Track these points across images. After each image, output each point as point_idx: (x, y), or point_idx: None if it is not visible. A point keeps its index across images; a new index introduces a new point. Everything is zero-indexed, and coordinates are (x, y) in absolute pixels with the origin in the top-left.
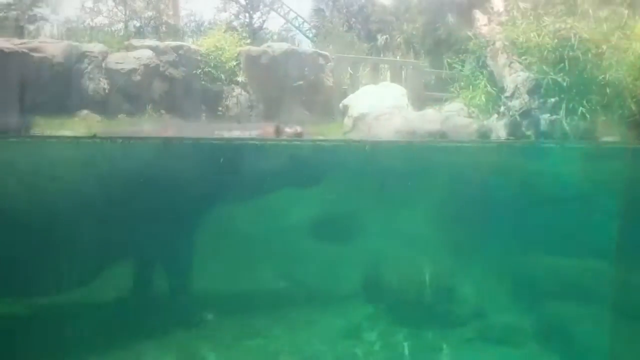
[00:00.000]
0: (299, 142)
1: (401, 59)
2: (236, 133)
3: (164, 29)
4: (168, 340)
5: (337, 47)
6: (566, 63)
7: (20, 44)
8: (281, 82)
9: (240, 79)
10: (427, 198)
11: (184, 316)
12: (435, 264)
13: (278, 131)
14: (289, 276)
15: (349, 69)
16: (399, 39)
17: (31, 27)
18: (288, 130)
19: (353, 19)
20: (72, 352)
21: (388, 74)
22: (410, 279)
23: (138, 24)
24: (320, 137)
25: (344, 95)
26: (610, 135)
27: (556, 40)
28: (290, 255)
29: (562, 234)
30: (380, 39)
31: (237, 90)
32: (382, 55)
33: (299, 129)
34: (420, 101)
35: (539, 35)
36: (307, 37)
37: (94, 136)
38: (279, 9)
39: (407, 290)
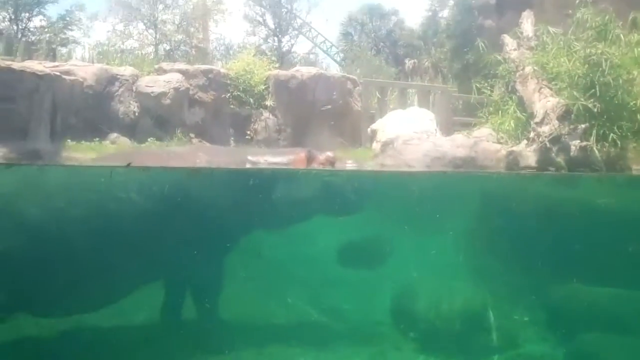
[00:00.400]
0: (332, 171)
1: (429, 83)
2: (267, 158)
3: (193, 52)
4: None
5: (364, 70)
6: (597, 89)
7: (53, 67)
8: (309, 106)
9: (268, 103)
10: (459, 226)
11: (213, 344)
12: (466, 293)
13: (310, 157)
14: (319, 304)
15: (376, 93)
16: (426, 63)
17: (63, 50)
18: (320, 156)
19: (381, 43)
20: None
21: (416, 98)
22: (441, 308)
23: (168, 47)
24: (353, 166)
25: (372, 119)
26: None
27: (587, 66)
28: (320, 283)
29: (596, 264)
30: (408, 63)
31: (266, 114)
32: (409, 80)
33: (330, 155)
34: (448, 126)
35: (569, 61)
36: (335, 60)
37: (129, 165)
38: (307, 33)
39: (437, 319)
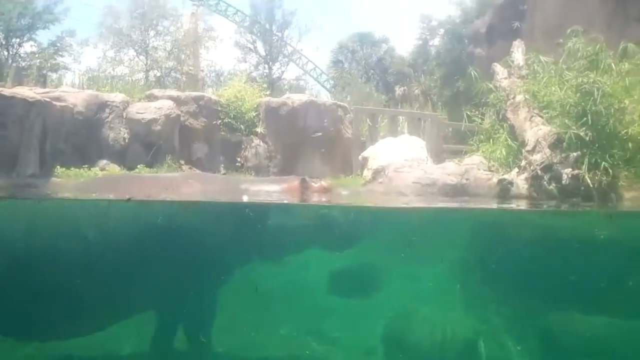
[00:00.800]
0: (328, 206)
1: (419, 110)
2: (261, 187)
3: (184, 79)
4: None
5: (355, 97)
6: (589, 117)
7: (43, 92)
8: (300, 133)
9: (259, 129)
10: (453, 256)
11: None
12: (460, 323)
13: (304, 185)
14: (310, 332)
15: (367, 120)
16: (416, 91)
17: (53, 76)
18: (314, 185)
19: (371, 71)
20: None
21: (406, 125)
22: (432, 337)
23: (159, 74)
24: (346, 194)
25: (363, 146)
26: (632, 191)
27: (579, 95)
28: (314, 312)
29: (592, 295)
30: (398, 90)
31: (256, 141)
32: (399, 107)
33: (324, 184)
34: (438, 153)
35: (561, 89)
36: (325, 87)
37: (129, 199)
38: (297, 60)
39: (429, 349)
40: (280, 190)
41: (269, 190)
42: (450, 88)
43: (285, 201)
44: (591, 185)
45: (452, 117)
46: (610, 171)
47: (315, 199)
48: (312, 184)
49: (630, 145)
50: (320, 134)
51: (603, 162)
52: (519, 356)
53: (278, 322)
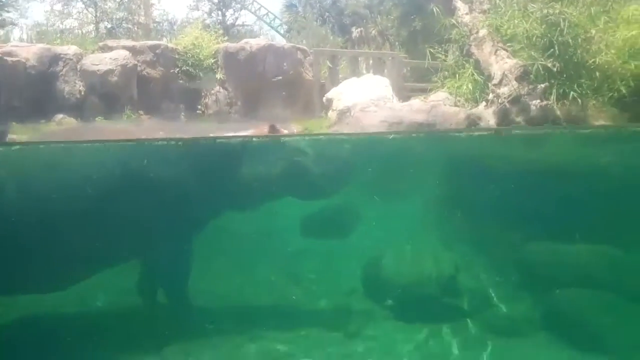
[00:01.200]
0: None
1: (376, 50)
2: (228, 134)
3: (136, 29)
4: (168, 347)
5: (311, 41)
6: (556, 48)
7: None
8: (260, 77)
9: (218, 76)
10: (426, 190)
11: (183, 323)
12: (436, 257)
13: (273, 131)
14: (289, 276)
15: (327, 62)
16: (373, 32)
17: (0, 32)
18: (283, 130)
19: (326, 13)
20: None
21: (366, 65)
22: (411, 274)
23: (109, 26)
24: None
25: (323, 89)
26: (601, 119)
27: (545, 26)
28: (290, 254)
29: (565, 221)
30: (355, 31)
31: (216, 87)
32: (357, 48)
33: (294, 129)
34: (403, 92)
35: (526, 22)
36: (279, 33)
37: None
38: (250, 6)
39: (409, 285)
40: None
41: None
42: (408, 27)
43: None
44: (560, 116)
45: (410, 56)
46: (579, 100)
47: None
48: (282, 129)
49: (597, 74)
50: (280, 77)
51: (572, 92)
52: (499, 287)
53: (256, 268)
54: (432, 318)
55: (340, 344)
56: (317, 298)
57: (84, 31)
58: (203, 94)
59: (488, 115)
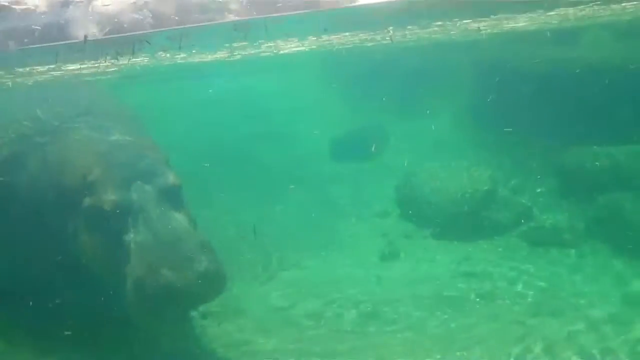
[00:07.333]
0: None
1: None
2: None
3: None
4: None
5: None
6: None
7: None
8: None
9: None
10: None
11: None
12: (471, 171)
13: None
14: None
15: None
16: None
17: None
18: None
19: None
20: None
21: None
22: (448, 191)
23: None
24: None
25: None
26: None
27: None
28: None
29: (609, 123)
30: None
31: None
32: None
33: None
34: None
35: None
36: None
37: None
38: None
39: (444, 202)
40: None
41: None
42: None
43: None
44: None
45: None
46: None
47: None
48: None
49: None
50: None
51: None
52: (539, 198)
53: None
54: (470, 235)
55: (376, 267)
56: (351, 221)
57: None
58: None
59: None
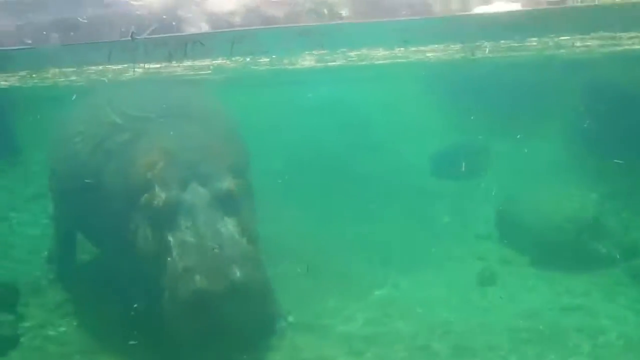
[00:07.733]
0: None
1: None
2: None
3: None
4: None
5: None
6: None
7: None
8: None
9: None
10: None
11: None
12: (577, 198)
13: None
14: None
15: None
16: None
17: None
18: None
19: None
20: None
21: None
22: (551, 217)
23: None
24: None
25: None
26: None
27: None
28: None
29: None
30: None
31: None
32: None
33: None
34: None
35: None
36: None
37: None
38: None
39: (546, 229)
40: None
41: None
42: None
43: None
44: None
45: None
46: None
47: None
48: None
49: None
50: None
51: None
52: None
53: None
54: (572, 266)
55: (472, 292)
56: (447, 241)
57: None
58: None
59: None
